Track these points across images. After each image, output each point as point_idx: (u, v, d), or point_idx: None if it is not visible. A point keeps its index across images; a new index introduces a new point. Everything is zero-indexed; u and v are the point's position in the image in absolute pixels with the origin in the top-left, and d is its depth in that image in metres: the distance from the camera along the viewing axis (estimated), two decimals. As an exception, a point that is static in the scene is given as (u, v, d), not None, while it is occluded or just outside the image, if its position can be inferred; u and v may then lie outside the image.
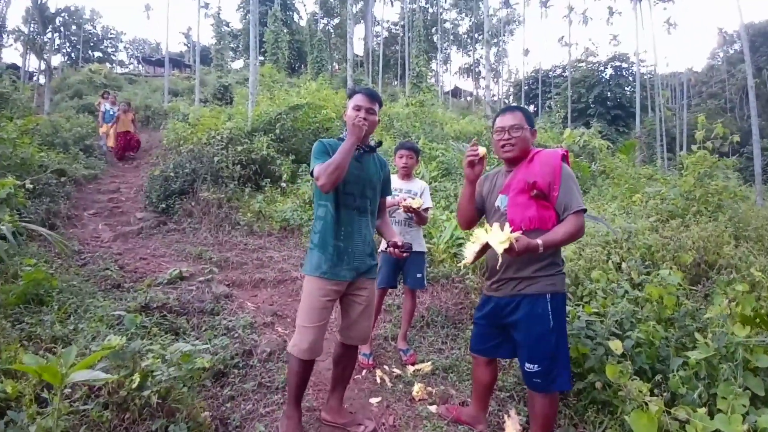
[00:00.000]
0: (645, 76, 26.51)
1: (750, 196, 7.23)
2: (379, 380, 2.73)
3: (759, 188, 8.16)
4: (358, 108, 2.01)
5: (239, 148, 6.60)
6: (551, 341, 1.79)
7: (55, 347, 2.41)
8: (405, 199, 2.83)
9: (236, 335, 2.96)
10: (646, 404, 1.96)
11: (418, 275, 3.01)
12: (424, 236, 4.88)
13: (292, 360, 1.99)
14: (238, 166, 6.42)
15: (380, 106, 2.09)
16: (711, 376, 2.09)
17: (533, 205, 1.81)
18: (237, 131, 7.24)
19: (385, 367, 2.90)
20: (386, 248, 2.06)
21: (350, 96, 2.12)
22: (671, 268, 3.38)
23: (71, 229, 5.63)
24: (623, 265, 3.23)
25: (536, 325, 1.80)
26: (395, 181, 3.08)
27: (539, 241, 1.70)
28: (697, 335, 2.36)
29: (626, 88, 26.96)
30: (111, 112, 9.88)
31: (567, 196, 1.77)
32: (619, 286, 2.94)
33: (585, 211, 1.79)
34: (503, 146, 1.91)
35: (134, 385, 1.99)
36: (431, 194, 6.74)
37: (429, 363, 2.89)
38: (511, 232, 1.66)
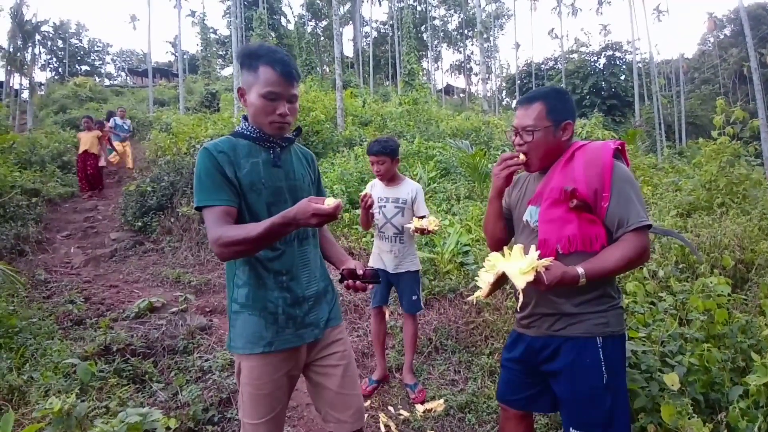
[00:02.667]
0: (639, 64, 26.15)
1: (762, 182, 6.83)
2: (383, 428, 2.31)
3: (772, 174, 7.75)
4: (272, 96, 1.23)
5: (222, 157, 6.13)
6: (605, 402, 1.32)
7: (9, 402, 2.21)
8: (415, 227, 2.36)
9: (212, 379, 2.51)
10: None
11: (413, 297, 2.57)
12: (426, 244, 4.45)
13: None
14: (222, 176, 5.95)
15: (299, 81, 1.33)
16: None
17: (573, 220, 1.33)
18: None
19: (390, 408, 2.48)
20: (339, 280, 1.35)
21: (245, 63, 1.25)
22: (712, 271, 2.96)
23: (41, 254, 5.22)
24: (660, 272, 2.80)
25: (584, 381, 1.33)
26: (378, 189, 2.58)
27: (580, 269, 1.23)
28: (753, 355, 2.02)
29: (620, 78, 26.62)
30: (125, 126, 9.21)
31: (622, 206, 1.29)
32: (659, 299, 2.50)
33: (650, 227, 1.31)
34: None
35: (81, 462, 1.62)
36: (429, 197, 6.25)
37: (442, 400, 2.50)
38: (539, 258, 1.20)
